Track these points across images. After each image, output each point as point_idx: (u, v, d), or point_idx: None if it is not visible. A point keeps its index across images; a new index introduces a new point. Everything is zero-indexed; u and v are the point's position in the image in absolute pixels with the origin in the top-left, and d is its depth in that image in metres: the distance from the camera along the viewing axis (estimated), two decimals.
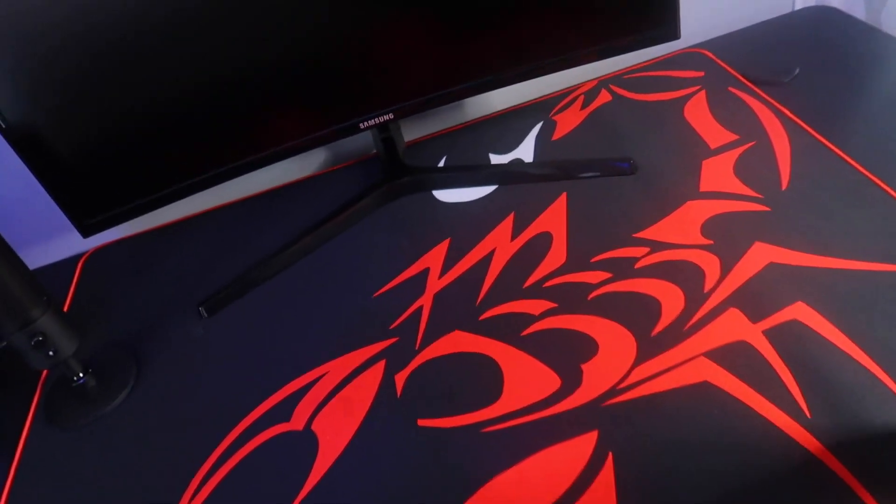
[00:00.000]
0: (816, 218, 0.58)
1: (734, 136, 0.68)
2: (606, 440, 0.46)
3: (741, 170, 0.64)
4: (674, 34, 0.64)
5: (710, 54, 0.80)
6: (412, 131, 0.81)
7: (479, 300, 0.59)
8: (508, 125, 0.78)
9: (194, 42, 0.56)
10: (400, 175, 0.73)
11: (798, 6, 0.87)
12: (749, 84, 0.75)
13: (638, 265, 0.57)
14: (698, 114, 0.72)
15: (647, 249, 0.58)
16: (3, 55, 0.52)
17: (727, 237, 0.58)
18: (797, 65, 0.75)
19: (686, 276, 0.55)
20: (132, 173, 0.64)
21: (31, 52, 0.52)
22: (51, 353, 0.56)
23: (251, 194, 0.81)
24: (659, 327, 0.52)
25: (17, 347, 0.55)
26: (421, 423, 0.51)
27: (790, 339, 0.49)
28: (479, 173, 0.72)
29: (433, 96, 0.66)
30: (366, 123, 0.66)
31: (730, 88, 0.75)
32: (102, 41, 0.53)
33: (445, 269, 0.63)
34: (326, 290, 0.65)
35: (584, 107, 0.78)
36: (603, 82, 0.81)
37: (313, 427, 0.53)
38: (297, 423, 0.54)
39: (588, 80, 0.81)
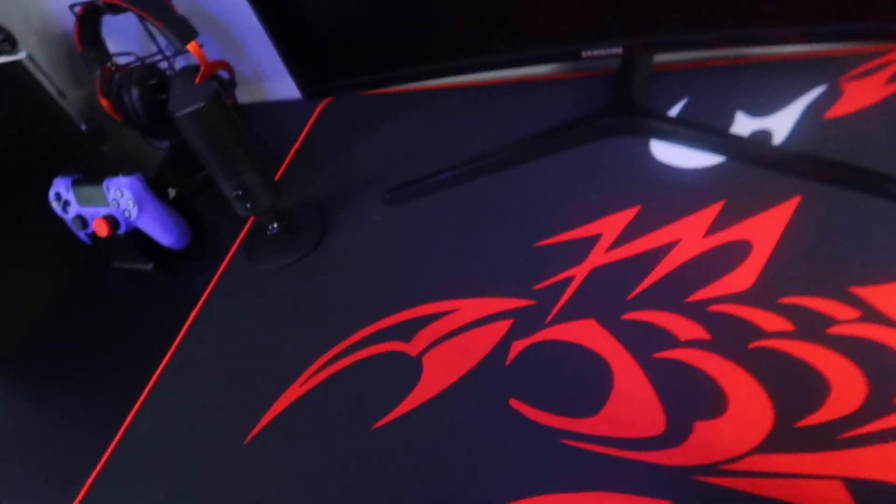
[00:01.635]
0: None
1: None
2: None
3: None
4: None
5: None
6: (665, 54, 0.70)
7: (631, 294, 0.53)
8: (780, 77, 0.63)
9: None
10: (625, 112, 0.65)
11: None
12: None
13: (832, 330, 0.46)
14: None
15: (857, 313, 0.46)
16: None
17: None
18: None
19: (883, 371, 0.43)
20: (361, 49, 0.65)
21: None
22: (248, 205, 0.64)
23: (474, 82, 0.78)
24: (811, 419, 0.42)
25: (225, 194, 0.64)
26: (511, 402, 0.50)
27: None
28: (710, 138, 0.60)
29: (675, 39, 0.55)
30: (588, 52, 0.58)
31: None
32: None
33: (618, 242, 0.57)
34: (496, 220, 0.63)
35: (892, 80, 0.59)
36: None
37: (424, 358, 0.55)
38: (413, 347, 0.56)
39: None
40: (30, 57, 0.81)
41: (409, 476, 0.48)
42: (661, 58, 0.70)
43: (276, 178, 0.80)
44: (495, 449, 0.48)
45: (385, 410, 0.53)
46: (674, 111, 0.65)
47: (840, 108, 0.59)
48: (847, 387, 0.43)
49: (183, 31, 0.75)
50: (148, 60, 0.85)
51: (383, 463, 0.50)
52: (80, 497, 0.58)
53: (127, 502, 0.56)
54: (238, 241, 0.74)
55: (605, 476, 0.44)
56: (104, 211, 0.70)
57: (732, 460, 0.42)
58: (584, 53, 0.58)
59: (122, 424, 0.62)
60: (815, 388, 0.44)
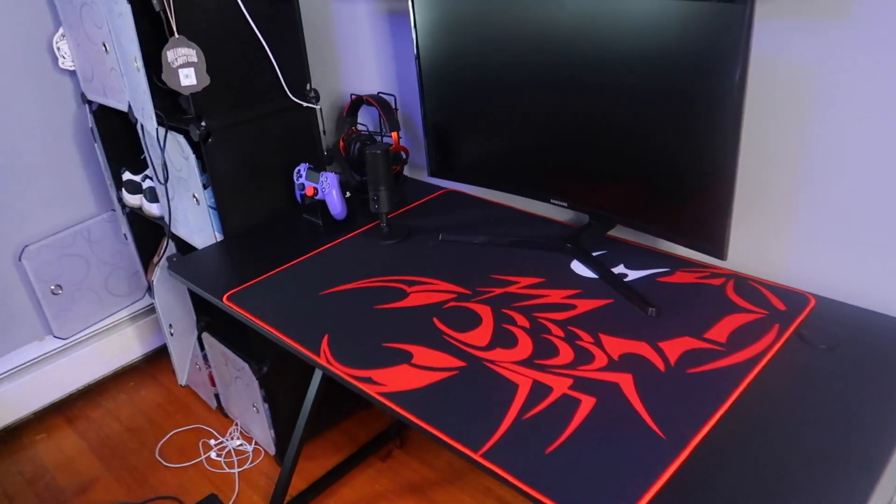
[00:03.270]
0: None
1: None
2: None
3: None
4: (718, 255, 0.97)
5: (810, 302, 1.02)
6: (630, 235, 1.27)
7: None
8: (645, 258, 1.17)
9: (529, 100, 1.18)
10: (572, 244, 1.22)
11: None
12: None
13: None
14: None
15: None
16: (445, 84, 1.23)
17: None
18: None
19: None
20: (468, 159, 1.31)
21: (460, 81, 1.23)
22: (377, 207, 1.29)
23: (509, 205, 1.40)
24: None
25: (371, 198, 1.29)
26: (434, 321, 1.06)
27: None
28: (596, 270, 1.16)
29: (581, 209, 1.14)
30: (554, 202, 1.18)
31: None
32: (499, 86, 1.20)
33: (529, 286, 1.13)
34: (481, 260, 1.22)
35: (700, 277, 1.11)
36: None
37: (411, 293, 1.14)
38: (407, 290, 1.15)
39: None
40: (320, 108, 1.57)
41: None
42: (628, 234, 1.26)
43: (394, 215, 1.45)
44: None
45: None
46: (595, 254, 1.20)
47: (667, 280, 1.12)
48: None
49: (393, 125, 1.46)
50: (371, 132, 1.58)
51: None
52: None
53: None
54: (366, 227, 1.39)
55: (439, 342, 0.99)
56: (315, 185, 1.39)
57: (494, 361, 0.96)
58: (552, 201, 1.18)
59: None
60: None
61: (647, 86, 0.98)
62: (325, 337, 1.03)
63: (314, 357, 0.99)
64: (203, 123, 1.38)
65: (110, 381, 2.21)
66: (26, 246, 1.83)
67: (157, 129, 1.39)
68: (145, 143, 1.59)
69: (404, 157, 1.56)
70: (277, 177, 1.54)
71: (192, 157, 1.41)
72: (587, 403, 0.86)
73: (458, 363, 0.95)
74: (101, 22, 1.49)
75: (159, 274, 1.68)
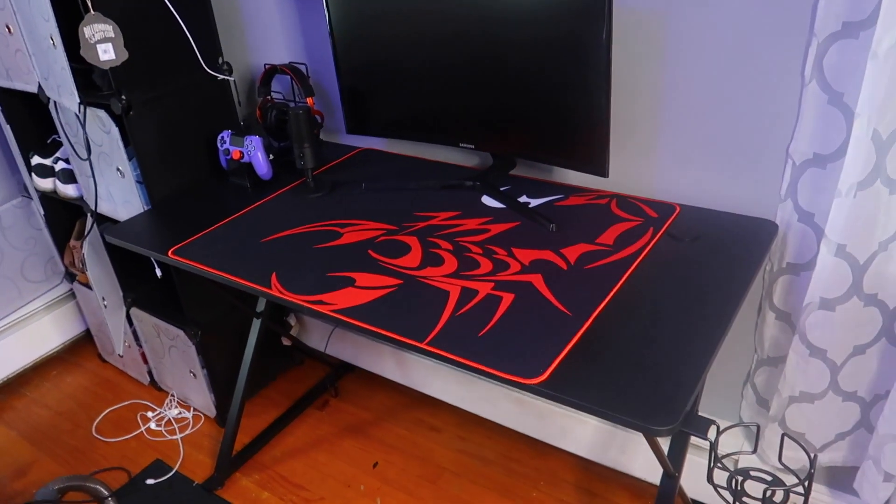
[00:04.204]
0: None
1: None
2: None
3: None
4: (601, 173, 1.18)
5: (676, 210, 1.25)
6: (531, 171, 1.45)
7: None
8: (547, 189, 1.37)
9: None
10: (480, 180, 1.40)
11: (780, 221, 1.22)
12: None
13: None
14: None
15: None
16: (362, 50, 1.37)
17: None
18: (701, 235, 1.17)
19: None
20: (383, 115, 1.45)
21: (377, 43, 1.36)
22: (302, 163, 1.41)
23: (427, 158, 1.56)
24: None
25: (295, 155, 1.41)
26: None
27: None
28: (503, 200, 1.34)
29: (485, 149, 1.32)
30: (462, 145, 1.35)
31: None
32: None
33: (447, 219, 1.29)
34: (398, 200, 1.37)
35: (590, 200, 1.32)
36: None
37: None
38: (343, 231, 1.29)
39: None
40: (234, 80, 1.65)
41: None
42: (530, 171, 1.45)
43: (317, 173, 1.57)
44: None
45: None
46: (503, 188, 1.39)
47: (563, 204, 1.32)
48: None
49: (307, 90, 1.58)
50: (286, 99, 1.69)
51: None
52: None
53: None
54: (292, 185, 1.50)
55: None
56: (240, 148, 1.49)
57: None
58: (461, 145, 1.35)
59: None
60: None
61: (534, 38, 1.16)
62: (273, 274, 1.16)
63: (267, 290, 1.11)
64: (123, 97, 1.44)
65: (30, 371, 2.20)
66: None
67: (78, 104, 1.44)
68: (59, 122, 1.62)
69: (320, 121, 1.68)
70: (199, 146, 1.62)
71: (115, 129, 1.47)
72: (507, 299, 1.04)
73: (396, 281, 1.11)
74: (3, 3, 1.51)
75: (87, 248, 1.71)
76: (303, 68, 1.65)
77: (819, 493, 1.38)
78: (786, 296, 1.24)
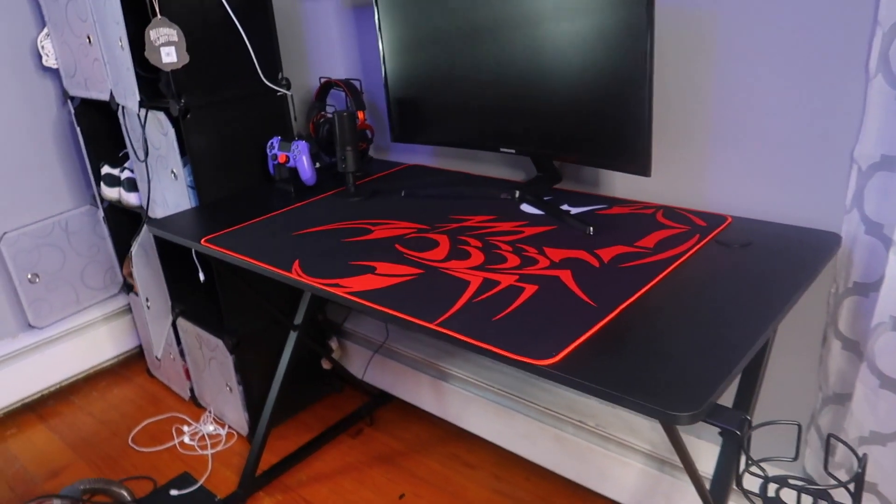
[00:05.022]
0: None
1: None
2: None
3: None
4: (644, 172, 1.11)
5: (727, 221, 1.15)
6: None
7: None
8: (591, 200, 1.30)
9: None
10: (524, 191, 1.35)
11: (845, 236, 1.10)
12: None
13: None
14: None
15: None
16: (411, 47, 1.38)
17: None
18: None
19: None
20: (427, 123, 1.44)
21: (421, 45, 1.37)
22: (344, 166, 1.41)
23: (471, 172, 1.53)
24: None
25: (338, 159, 1.41)
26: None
27: None
28: (544, 208, 1.28)
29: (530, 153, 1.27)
30: (503, 150, 1.32)
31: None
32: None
33: (482, 222, 1.25)
34: (443, 207, 1.34)
35: (637, 209, 1.24)
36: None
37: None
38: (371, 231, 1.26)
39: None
40: (291, 95, 1.70)
41: None
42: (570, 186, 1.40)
43: (360, 183, 1.56)
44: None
45: None
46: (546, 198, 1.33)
47: (605, 213, 1.24)
48: None
49: (360, 104, 1.60)
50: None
51: None
52: None
53: None
54: (333, 191, 1.50)
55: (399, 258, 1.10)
56: (287, 153, 1.51)
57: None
58: (501, 150, 1.32)
59: None
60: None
61: (573, 30, 1.13)
62: (297, 261, 1.13)
63: (285, 273, 1.09)
64: (182, 101, 1.50)
65: (82, 381, 2.24)
66: (5, 233, 1.90)
67: (138, 106, 1.50)
68: (125, 126, 1.70)
69: (370, 135, 1.69)
70: (251, 155, 1.66)
71: (172, 131, 1.53)
72: (530, 290, 0.97)
73: (417, 271, 1.06)
74: (86, 14, 1.62)
75: (136, 248, 1.76)
76: (357, 84, 1.67)
77: None
78: (853, 321, 1.11)
